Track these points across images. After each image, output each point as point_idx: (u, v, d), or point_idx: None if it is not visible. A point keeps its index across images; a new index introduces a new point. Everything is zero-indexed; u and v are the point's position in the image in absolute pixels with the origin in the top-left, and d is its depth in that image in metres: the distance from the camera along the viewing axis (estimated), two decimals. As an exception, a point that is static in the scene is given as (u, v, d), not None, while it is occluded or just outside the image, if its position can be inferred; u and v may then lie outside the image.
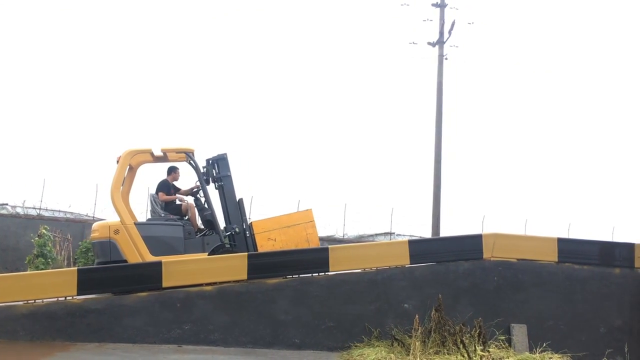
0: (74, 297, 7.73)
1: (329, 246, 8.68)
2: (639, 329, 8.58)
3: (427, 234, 20.72)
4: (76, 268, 8.28)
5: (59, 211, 19.96)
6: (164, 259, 8.53)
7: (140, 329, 7.66)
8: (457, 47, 21.74)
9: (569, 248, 8.75)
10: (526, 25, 44.82)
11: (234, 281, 8.06)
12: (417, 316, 7.39)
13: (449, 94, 32.02)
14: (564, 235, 20.48)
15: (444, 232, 20.14)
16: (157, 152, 9.61)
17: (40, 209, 19.54)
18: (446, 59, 21.44)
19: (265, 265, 8.25)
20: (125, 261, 8.75)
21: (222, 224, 9.56)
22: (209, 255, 9.05)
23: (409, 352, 7.03)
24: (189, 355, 7.11)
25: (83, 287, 7.75)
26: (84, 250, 15.38)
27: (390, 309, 8.13)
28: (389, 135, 42.89)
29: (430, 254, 8.64)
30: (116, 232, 8.95)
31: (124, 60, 42.35)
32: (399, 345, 7.42)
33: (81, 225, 18.05)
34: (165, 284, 7.91)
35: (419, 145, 42.56)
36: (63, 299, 7.72)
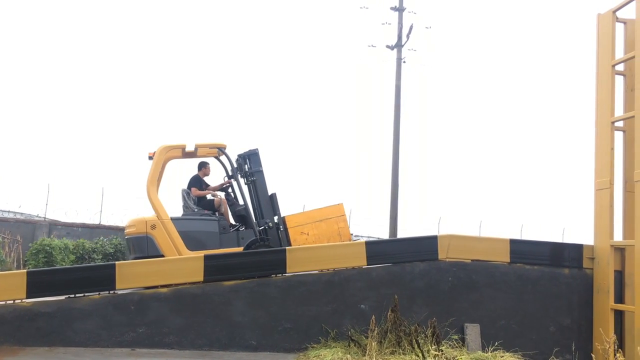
0: (23, 300, 7.49)
1: (286, 247, 8.67)
2: (586, 328, 8.86)
3: (385, 235, 20.94)
4: (26, 270, 8.02)
5: (9, 212, 19.35)
6: (199, 253, 8.57)
7: (92, 332, 7.48)
8: (415, 50, 22.10)
9: (520, 249, 8.96)
10: (482, 30, 45.81)
11: (189, 283, 7.96)
12: (373, 317, 7.44)
13: (407, 96, 32.48)
14: (517, 236, 21.02)
15: (401, 233, 20.41)
16: (190, 148, 9.66)
17: (-12, 209, 18.90)
18: (404, 62, 21.74)
19: (221, 266, 8.17)
20: (162, 256, 8.77)
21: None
22: (244, 249, 9.18)
23: (365, 352, 7.08)
24: (142, 359, 7.00)
25: (33, 289, 7.50)
26: (34, 252, 14.91)
27: (347, 310, 8.17)
28: (348, 136, 43.16)
29: (387, 255, 8.72)
30: (153, 227, 9.00)
31: (98, 57, 41.39)
32: (355, 345, 7.46)
33: (32, 226, 17.49)
34: (119, 286, 7.75)
35: (377, 147, 42.98)
36: (12, 302, 7.46)
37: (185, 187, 9.94)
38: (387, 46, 21.91)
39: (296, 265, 8.27)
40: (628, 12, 9.18)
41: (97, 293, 7.72)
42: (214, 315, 7.84)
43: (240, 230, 9.63)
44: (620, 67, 9.37)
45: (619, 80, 9.41)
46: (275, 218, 9.74)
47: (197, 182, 9.96)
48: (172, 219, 9.20)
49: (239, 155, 9.96)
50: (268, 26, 47.48)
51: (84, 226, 17.79)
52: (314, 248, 8.88)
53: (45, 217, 19.07)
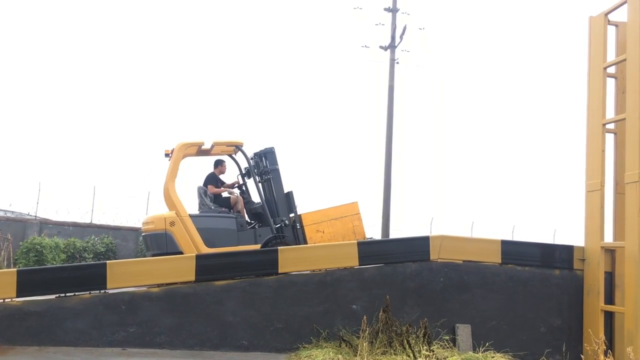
0: (13, 299, 7.46)
1: (278, 247, 8.66)
2: (576, 329, 8.90)
3: (377, 235, 20.93)
4: (16, 269, 7.98)
5: (-1, 210, 19.22)
6: (217, 250, 8.74)
7: (83, 331, 7.45)
8: (408, 51, 22.11)
9: (512, 250, 9.00)
10: (475, 31, 45.96)
11: (181, 283, 7.94)
12: (365, 317, 7.46)
13: (401, 97, 32.52)
14: (508, 237, 21.06)
15: (394, 234, 20.42)
16: (207, 145, 9.71)
17: (-22, 207, 18.76)
18: (397, 63, 21.75)
19: (213, 266, 8.16)
20: (181, 253, 8.79)
21: None
22: (261, 247, 9.28)
23: (357, 352, 7.09)
24: (133, 358, 6.97)
25: (23, 288, 7.47)
26: (24, 250, 14.82)
27: (338, 310, 8.18)
28: (340, 136, 43.18)
29: (379, 255, 8.74)
30: (172, 224, 9.08)
31: (91, 56, 41.19)
32: (346, 346, 7.47)
33: (22, 224, 17.36)
34: (110, 286, 7.72)
35: (370, 147, 42.99)
36: (1, 301, 7.42)
37: (201, 184, 10.01)
38: (381, 47, 21.91)
39: (288, 265, 8.27)
40: (620, 15, 9.24)
41: (87, 292, 7.68)
42: (205, 315, 7.83)
43: (257, 228, 9.73)
44: (611, 70, 9.43)
45: (611, 83, 9.47)
46: (291, 216, 9.82)
47: (213, 179, 10.04)
48: (191, 216, 9.27)
49: (255, 154, 10.09)
50: (260, 26, 47.44)
51: (75, 225, 17.68)
52: (306, 248, 8.90)
53: (36, 216, 18.94)
